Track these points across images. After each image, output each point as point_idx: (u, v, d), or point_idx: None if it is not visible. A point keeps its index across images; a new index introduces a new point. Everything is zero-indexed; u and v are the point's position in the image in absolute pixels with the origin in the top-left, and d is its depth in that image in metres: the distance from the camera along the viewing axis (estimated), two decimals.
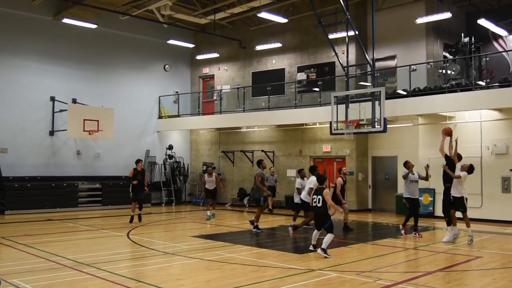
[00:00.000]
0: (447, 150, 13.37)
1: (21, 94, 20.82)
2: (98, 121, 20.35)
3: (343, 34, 18.97)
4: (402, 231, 14.07)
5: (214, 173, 18.22)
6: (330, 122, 17.78)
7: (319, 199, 10.61)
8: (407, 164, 14.17)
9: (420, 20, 19.19)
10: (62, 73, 22.12)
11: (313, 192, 10.92)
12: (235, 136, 25.00)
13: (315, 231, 11.06)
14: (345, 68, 18.46)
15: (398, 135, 20.00)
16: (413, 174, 14.14)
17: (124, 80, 24.47)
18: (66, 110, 20.65)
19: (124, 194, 22.45)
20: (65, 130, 20.50)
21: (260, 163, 14.89)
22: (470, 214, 17.51)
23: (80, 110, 20.58)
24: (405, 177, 14.11)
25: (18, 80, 20.80)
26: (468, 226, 12.74)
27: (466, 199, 12.95)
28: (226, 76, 26.08)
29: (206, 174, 18.39)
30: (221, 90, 25.36)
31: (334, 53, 18.92)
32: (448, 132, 13.42)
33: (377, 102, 16.62)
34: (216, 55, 25.40)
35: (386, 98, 16.83)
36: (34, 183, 20.49)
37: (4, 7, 20.40)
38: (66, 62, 22.24)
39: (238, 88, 24.40)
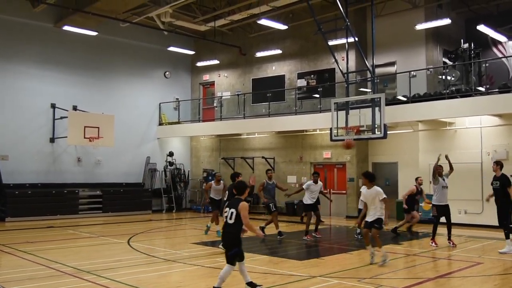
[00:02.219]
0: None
1: (21, 101, 20.86)
2: (98, 128, 20.36)
3: (343, 40, 19.02)
4: (433, 244, 13.16)
5: (222, 182, 16.35)
6: (330, 129, 17.79)
7: (231, 213, 7.91)
8: (438, 170, 13.75)
9: (420, 26, 19.25)
10: (63, 80, 22.17)
11: (226, 204, 8.22)
12: (235, 143, 25.01)
13: (227, 266, 7.93)
14: (345, 75, 18.48)
15: (398, 141, 20.00)
16: (443, 179, 13.80)
17: (125, 87, 24.52)
18: (66, 117, 20.68)
19: (124, 201, 22.59)
20: (66, 137, 20.50)
21: (266, 172, 16.05)
22: (471, 220, 17.61)
23: (80, 117, 20.61)
24: (435, 183, 13.76)
25: (18, 87, 20.84)
26: None
27: None
28: (226, 83, 26.13)
29: (213, 182, 16.25)
30: (221, 96, 25.40)
31: (334, 60, 18.93)
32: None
33: (377, 108, 16.62)
34: (216, 61, 25.46)
35: (386, 104, 16.84)
36: (35, 190, 20.49)
37: (5, 14, 20.47)
38: (66, 69, 22.29)
39: (238, 94, 24.44)
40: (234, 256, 7.83)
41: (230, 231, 7.91)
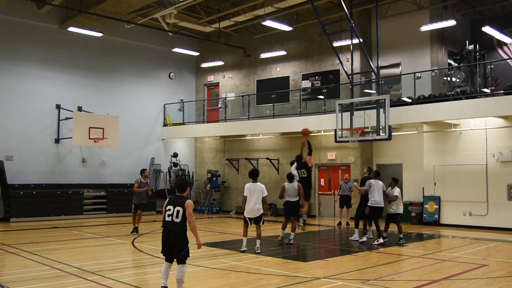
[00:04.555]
0: None
1: (26, 101, 20.92)
2: (103, 129, 20.38)
3: (348, 42, 19.02)
4: (376, 242, 13.60)
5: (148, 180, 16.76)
6: (335, 130, 17.78)
7: (177, 212, 7.54)
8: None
9: (425, 28, 19.23)
10: (68, 81, 22.23)
11: (167, 202, 7.88)
12: (240, 144, 25.02)
13: (165, 264, 7.80)
14: (350, 76, 18.47)
15: (403, 142, 19.96)
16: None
17: (129, 88, 24.57)
18: (71, 118, 20.72)
19: (129, 201, 22.59)
20: (71, 138, 20.54)
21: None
22: (476, 222, 17.57)
23: (85, 118, 20.64)
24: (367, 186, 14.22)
25: (23, 88, 20.91)
26: None
27: None
28: (230, 84, 26.15)
29: (139, 178, 16.14)
30: (225, 98, 25.41)
31: (338, 61, 18.93)
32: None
33: (381, 110, 16.62)
34: (220, 63, 25.49)
35: (391, 106, 16.82)
36: (40, 191, 20.55)
37: (11, 15, 20.54)
38: (71, 70, 22.36)
39: (242, 96, 24.45)
40: (186, 255, 7.59)
41: (178, 230, 7.53)
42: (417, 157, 19.43)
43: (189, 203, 7.56)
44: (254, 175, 12.53)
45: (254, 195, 12.20)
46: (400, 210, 14.05)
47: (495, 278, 9.41)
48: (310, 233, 16.49)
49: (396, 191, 14.03)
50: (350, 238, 14.79)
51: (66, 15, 21.51)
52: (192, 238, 7.54)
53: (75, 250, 12.71)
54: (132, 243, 13.82)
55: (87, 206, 21.74)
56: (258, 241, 12.10)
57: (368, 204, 14.09)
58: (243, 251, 12.08)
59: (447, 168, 18.28)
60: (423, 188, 19.16)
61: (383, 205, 14.03)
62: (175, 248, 7.55)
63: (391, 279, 9.22)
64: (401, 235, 13.90)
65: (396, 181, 14.32)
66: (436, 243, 14.61)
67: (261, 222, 12.27)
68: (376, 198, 13.91)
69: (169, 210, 7.63)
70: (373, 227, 14.47)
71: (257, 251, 11.92)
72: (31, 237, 14.93)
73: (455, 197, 18.16)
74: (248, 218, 12.28)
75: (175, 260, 7.64)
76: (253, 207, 12.17)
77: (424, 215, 18.86)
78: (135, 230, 15.75)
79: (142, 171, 16.51)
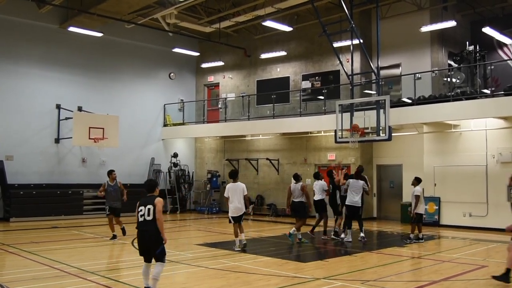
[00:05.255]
0: None
1: (26, 101, 20.92)
2: (103, 129, 20.38)
3: (348, 42, 19.02)
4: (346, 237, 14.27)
5: (118, 181, 15.20)
6: (335, 130, 17.77)
7: (148, 210, 7.64)
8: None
9: (425, 29, 19.23)
10: (68, 81, 22.24)
11: (138, 203, 7.88)
12: (240, 144, 25.02)
13: (144, 265, 7.90)
14: (350, 77, 18.47)
15: (403, 143, 19.96)
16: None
17: (130, 88, 24.57)
18: (71, 118, 20.73)
19: (129, 201, 22.55)
20: (71, 137, 20.55)
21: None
22: (475, 223, 17.56)
23: (85, 118, 20.64)
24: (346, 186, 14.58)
25: (24, 88, 20.92)
26: None
27: None
28: (231, 84, 26.15)
29: (107, 181, 15.00)
30: (226, 98, 25.42)
31: (338, 62, 18.92)
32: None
33: (382, 110, 16.61)
34: (221, 63, 25.49)
35: (391, 107, 16.81)
36: (39, 191, 20.55)
37: (11, 15, 20.55)
38: (72, 70, 22.36)
39: (243, 96, 24.45)
40: (162, 253, 7.65)
41: (151, 229, 7.59)
42: (417, 158, 19.42)
43: (158, 200, 7.70)
44: (234, 176, 12.88)
45: (236, 194, 12.58)
46: (420, 210, 14.51)
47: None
48: (308, 233, 16.46)
49: (416, 190, 14.18)
50: (344, 239, 14.79)
51: (67, 15, 21.52)
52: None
53: (75, 250, 12.71)
54: (132, 243, 13.82)
55: (87, 206, 21.73)
56: (242, 234, 12.77)
57: (346, 203, 14.34)
58: (239, 251, 12.38)
59: (447, 169, 18.28)
60: (423, 189, 19.09)
61: (359, 205, 14.22)
62: (151, 247, 7.64)
63: (390, 279, 9.22)
64: (421, 235, 14.51)
65: (418, 181, 14.61)
66: (436, 244, 14.61)
67: (241, 221, 12.84)
68: (352, 198, 14.12)
69: (141, 210, 7.73)
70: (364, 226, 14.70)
71: (243, 243, 12.61)
72: (31, 237, 14.93)
73: (455, 198, 18.16)
74: (232, 217, 12.64)
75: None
76: (237, 206, 12.55)
77: (424, 216, 18.83)
78: (114, 236, 14.46)
79: (110, 172, 15.18)
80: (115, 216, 14.72)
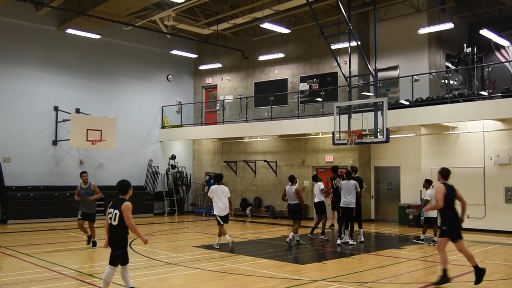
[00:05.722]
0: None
1: (24, 103, 20.90)
2: (101, 131, 20.37)
3: (346, 44, 19.06)
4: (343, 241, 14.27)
5: (92, 182, 14.05)
6: (333, 132, 17.78)
7: (115, 215, 7.63)
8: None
9: (423, 31, 19.27)
10: (66, 83, 22.22)
11: (110, 205, 7.91)
12: (237, 146, 25.02)
13: (109, 268, 7.73)
14: (348, 79, 18.49)
15: (401, 145, 19.98)
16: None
17: (127, 90, 24.56)
18: (69, 120, 20.69)
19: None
20: (68, 139, 20.52)
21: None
22: (473, 224, 17.56)
23: (83, 120, 20.63)
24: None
25: (21, 90, 20.90)
26: None
27: None
28: (229, 86, 26.16)
29: (80, 183, 13.85)
30: (224, 100, 25.42)
31: (336, 64, 18.96)
32: None
33: (379, 112, 16.62)
34: (219, 65, 25.49)
35: (389, 108, 16.83)
36: (37, 193, 20.52)
37: (9, 17, 20.54)
38: (69, 72, 22.35)
39: (241, 98, 24.45)
40: (117, 257, 7.61)
41: (116, 231, 7.62)
42: (415, 159, 19.44)
43: (125, 206, 7.61)
44: (218, 179, 13.68)
45: (220, 196, 13.26)
46: (431, 214, 14.47)
47: (492, 281, 9.42)
48: (307, 236, 16.46)
49: (427, 194, 14.25)
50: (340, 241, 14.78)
51: (65, 17, 21.52)
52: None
53: (73, 252, 12.69)
54: (130, 245, 13.80)
55: None
56: (219, 238, 13.31)
57: (340, 205, 14.34)
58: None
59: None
60: (420, 191, 19.13)
61: (353, 206, 14.21)
62: (114, 250, 7.65)
63: (388, 281, 9.23)
64: (423, 236, 14.65)
65: (429, 183, 14.62)
66: (434, 245, 14.59)
67: (227, 222, 13.40)
68: (345, 199, 14.12)
69: (110, 213, 7.71)
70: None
71: (216, 247, 13.12)
72: (29, 239, 14.90)
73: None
74: (220, 216, 13.21)
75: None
76: (221, 207, 13.24)
77: (422, 217, 18.84)
78: (89, 240, 13.49)
79: (81, 174, 14.07)
80: (89, 221, 13.47)
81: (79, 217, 13.46)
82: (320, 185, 15.70)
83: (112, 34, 23.12)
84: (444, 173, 9.33)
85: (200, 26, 22.77)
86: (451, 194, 9.04)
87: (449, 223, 8.91)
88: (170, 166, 25.17)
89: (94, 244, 13.36)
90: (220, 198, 13.24)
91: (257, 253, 12.60)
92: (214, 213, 13.42)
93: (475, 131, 17.80)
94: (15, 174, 20.35)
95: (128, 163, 23.89)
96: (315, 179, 16.07)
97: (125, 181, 8.17)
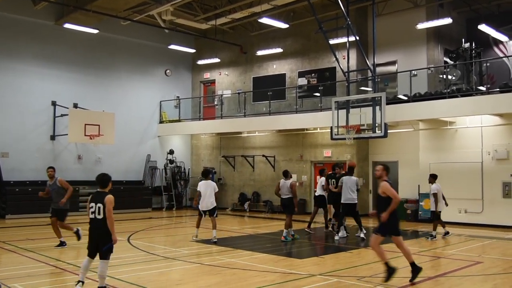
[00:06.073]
0: None
1: (22, 98, 20.86)
2: (99, 125, 20.35)
3: (344, 39, 19.02)
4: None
5: (57, 178, 13.12)
6: (331, 127, 17.79)
7: (99, 208, 7.69)
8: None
9: (421, 26, 19.24)
10: (64, 77, 22.17)
11: (90, 198, 7.95)
12: (236, 141, 25.01)
13: (86, 259, 7.87)
14: (346, 74, 18.48)
15: (399, 140, 20.00)
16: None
17: (125, 85, 24.52)
18: (67, 114, 20.66)
19: (125, 198, 22.61)
20: (66, 134, 20.51)
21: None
22: (471, 219, 17.62)
23: (81, 115, 20.60)
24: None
25: (19, 85, 20.84)
26: None
27: None
28: (227, 81, 26.13)
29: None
30: (222, 95, 25.40)
31: (335, 59, 18.95)
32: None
33: (377, 107, 16.62)
34: (217, 60, 25.45)
35: (387, 103, 16.84)
36: (35, 188, 20.36)
37: (6, 11, 20.46)
38: (67, 67, 22.29)
39: (239, 93, 24.43)
40: (109, 250, 7.72)
41: (101, 226, 7.66)
42: (413, 154, 19.47)
43: (108, 199, 7.70)
44: (206, 174, 14.28)
45: (207, 191, 13.67)
46: (439, 207, 14.54)
47: (489, 275, 9.45)
48: (305, 230, 16.49)
49: (433, 188, 14.42)
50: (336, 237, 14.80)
51: (62, 11, 21.45)
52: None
53: (71, 247, 12.68)
54: (128, 240, 13.82)
55: (82, 203, 21.61)
56: (214, 231, 13.55)
57: (341, 201, 14.30)
58: (196, 240, 13.61)
59: (442, 165, 18.30)
60: (418, 186, 19.20)
61: (355, 202, 14.28)
62: (99, 244, 7.69)
63: None
64: (433, 232, 14.58)
65: (434, 177, 14.71)
66: (432, 240, 14.62)
67: (215, 215, 13.89)
68: (347, 195, 14.14)
69: (92, 207, 7.75)
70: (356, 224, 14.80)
71: (214, 240, 13.31)
72: (27, 234, 14.92)
73: (451, 194, 18.11)
74: (203, 211, 13.76)
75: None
76: (208, 201, 13.66)
77: (420, 212, 18.92)
78: (61, 243, 12.53)
79: (47, 170, 13.16)
80: (58, 220, 12.52)
81: (50, 215, 12.73)
82: (323, 180, 15.70)
83: (110, 29, 23.06)
84: (388, 171, 9.33)
85: (198, 21, 22.71)
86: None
87: (388, 220, 8.85)
88: (168, 161, 25.18)
89: (62, 244, 12.44)
90: (207, 193, 13.63)
91: (255, 247, 12.62)
92: (199, 207, 13.85)
93: (473, 126, 17.83)
94: (13, 169, 20.33)
95: (126, 158, 23.89)
96: (322, 173, 16.15)
97: (105, 174, 8.18)
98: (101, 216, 7.64)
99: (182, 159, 26.05)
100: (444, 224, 14.78)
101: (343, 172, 15.27)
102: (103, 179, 8.03)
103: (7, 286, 8.03)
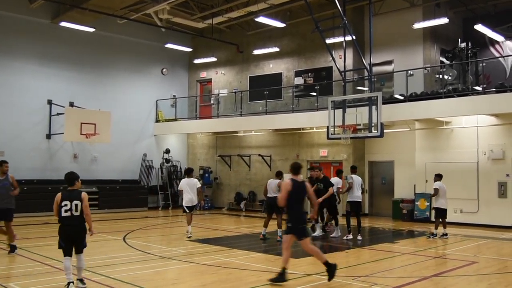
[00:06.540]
0: None
1: (18, 97, 20.79)
2: (95, 124, 20.30)
3: (341, 39, 19.04)
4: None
5: (9, 175, 11.89)
6: (327, 127, 17.79)
7: (76, 205, 7.90)
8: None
9: (417, 25, 19.26)
10: (60, 76, 22.11)
11: (60, 197, 8.14)
12: (232, 140, 25.00)
13: (67, 259, 8.02)
14: (342, 73, 18.49)
15: (395, 140, 20.02)
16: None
17: (122, 83, 24.47)
18: (63, 113, 20.61)
19: (120, 197, 22.59)
20: (62, 133, 20.45)
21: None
22: (467, 219, 17.66)
23: (77, 114, 20.55)
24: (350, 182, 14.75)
25: (15, 83, 20.77)
26: None
27: None
28: (223, 80, 26.10)
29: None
30: (218, 94, 25.37)
31: (331, 58, 18.96)
32: None
33: (374, 107, 16.65)
34: (213, 59, 25.41)
35: (383, 103, 16.86)
36: (31, 187, 20.40)
37: (2, 10, 20.38)
38: (63, 66, 22.23)
39: (235, 92, 24.41)
40: (84, 246, 8.12)
41: (79, 223, 7.99)
42: (409, 154, 19.50)
43: (84, 195, 8.08)
44: (189, 172, 14.99)
45: (190, 188, 14.35)
46: (439, 204, 14.64)
47: (485, 275, 9.47)
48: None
49: (435, 184, 14.57)
50: (330, 236, 14.83)
51: (58, 10, 21.38)
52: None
53: None
54: (124, 239, 13.80)
55: None
56: (189, 227, 14.17)
57: (350, 200, 14.41)
58: (188, 238, 13.85)
59: (438, 165, 18.32)
60: (414, 185, 19.25)
61: (360, 200, 14.56)
62: (78, 240, 7.98)
63: (382, 275, 9.26)
64: (434, 231, 14.58)
65: (439, 176, 14.83)
66: (427, 240, 14.66)
67: (192, 211, 14.57)
68: (357, 193, 14.38)
69: (66, 205, 7.97)
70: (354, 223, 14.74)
71: (189, 236, 13.94)
72: (22, 233, 14.84)
73: (447, 194, 18.24)
74: (187, 206, 14.32)
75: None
76: (191, 198, 14.32)
77: (415, 212, 18.95)
78: (12, 248, 11.26)
79: (1, 164, 11.71)
80: (5, 221, 11.31)
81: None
82: (339, 182, 15.37)
83: (106, 27, 23.00)
84: (294, 168, 9.05)
85: (195, 20, 22.69)
86: (297, 191, 8.73)
87: (293, 221, 8.65)
88: (164, 160, 25.14)
89: (13, 249, 11.21)
90: (189, 191, 14.31)
91: (251, 247, 12.62)
92: (183, 203, 14.53)
93: (469, 126, 17.86)
94: (9, 167, 20.19)
95: (122, 157, 23.84)
96: (339, 174, 15.72)
97: (72, 173, 8.51)
98: (78, 213, 7.91)
99: (178, 158, 26.02)
100: (445, 224, 14.77)
101: (323, 175, 15.09)
102: (70, 177, 8.36)
103: (2, 286, 8.00)
